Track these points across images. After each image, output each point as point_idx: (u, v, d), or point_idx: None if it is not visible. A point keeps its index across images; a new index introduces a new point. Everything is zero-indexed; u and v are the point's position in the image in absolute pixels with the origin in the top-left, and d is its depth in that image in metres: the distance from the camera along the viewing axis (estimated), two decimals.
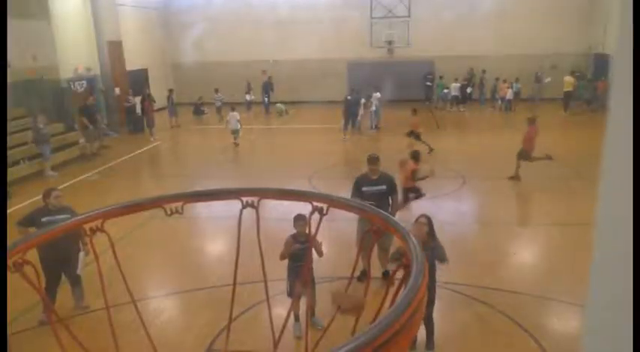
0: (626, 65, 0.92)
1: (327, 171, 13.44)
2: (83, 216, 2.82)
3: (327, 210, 2.82)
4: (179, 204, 2.93)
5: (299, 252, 5.59)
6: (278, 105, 22.64)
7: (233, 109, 16.85)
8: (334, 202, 2.81)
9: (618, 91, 0.98)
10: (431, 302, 5.32)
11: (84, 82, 18.35)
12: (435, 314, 5.70)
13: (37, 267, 2.28)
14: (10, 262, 2.06)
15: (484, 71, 23.53)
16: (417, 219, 5.36)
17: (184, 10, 25.32)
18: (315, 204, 2.84)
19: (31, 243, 2.25)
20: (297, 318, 5.77)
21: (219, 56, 25.05)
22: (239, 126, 16.41)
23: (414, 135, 14.35)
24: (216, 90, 21.57)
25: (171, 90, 21.26)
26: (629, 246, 0.95)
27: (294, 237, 5.71)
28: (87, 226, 2.78)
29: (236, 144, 16.40)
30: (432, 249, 5.21)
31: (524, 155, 11.74)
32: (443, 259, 5.30)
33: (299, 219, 5.48)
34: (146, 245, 8.91)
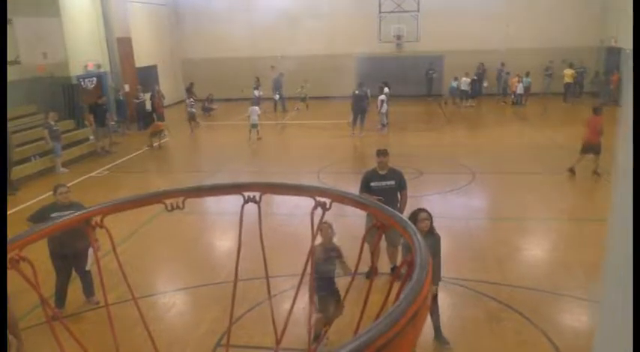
0: None
1: (336, 166, 13.42)
2: (82, 211, 2.81)
3: (331, 204, 2.78)
4: (180, 199, 2.90)
5: (323, 263, 5.28)
6: (303, 86, 22.29)
7: (253, 104, 17.06)
8: (337, 197, 2.76)
9: None
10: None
11: (94, 78, 18.45)
12: (445, 310, 5.68)
13: (35, 264, 2.27)
14: (7, 256, 2.05)
15: (503, 64, 23.33)
16: (416, 214, 5.28)
17: (193, 6, 25.34)
18: (318, 198, 2.80)
19: (26, 240, 2.23)
20: (316, 338, 5.26)
21: (228, 52, 25.06)
22: (258, 120, 16.55)
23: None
24: (190, 95, 19.83)
25: (192, 84, 22.01)
26: None
27: (322, 244, 5.36)
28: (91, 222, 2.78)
29: (258, 139, 16.60)
30: (434, 241, 5.31)
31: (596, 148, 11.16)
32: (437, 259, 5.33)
33: (322, 229, 4.97)
34: (156, 240, 8.96)
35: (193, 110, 18.69)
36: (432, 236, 5.33)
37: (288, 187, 3.13)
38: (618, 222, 1.03)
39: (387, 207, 2.48)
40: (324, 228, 5.14)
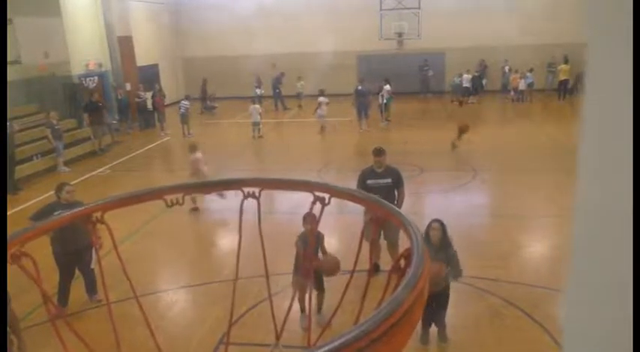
0: (600, 56, 0.91)
1: (337, 163, 13.42)
2: (83, 207, 2.83)
3: (329, 200, 2.79)
4: (179, 195, 2.92)
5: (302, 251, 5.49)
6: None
7: (254, 102, 17.16)
8: (335, 192, 2.77)
9: (592, 83, 0.97)
10: (442, 307, 5.33)
11: (95, 77, 18.47)
12: (448, 307, 5.67)
13: (36, 260, 2.28)
14: (8, 254, 2.06)
15: (506, 61, 23.24)
16: (429, 224, 5.25)
17: (194, 4, 25.33)
18: (316, 194, 2.81)
19: (27, 236, 2.25)
20: (302, 310, 5.77)
21: (229, 50, 25.04)
22: (260, 118, 16.57)
23: None
24: (186, 97, 18.55)
25: (205, 80, 22.58)
26: (607, 239, 0.94)
27: (301, 236, 5.60)
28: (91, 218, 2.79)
29: (260, 137, 16.69)
30: (447, 256, 5.14)
31: None
32: (457, 273, 5.26)
33: (305, 218, 5.15)
34: (159, 238, 8.98)
35: (182, 111, 17.44)
36: (443, 250, 5.12)
37: (287, 183, 3.15)
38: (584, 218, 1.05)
39: (383, 200, 2.49)
40: (307, 217, 5.21)
